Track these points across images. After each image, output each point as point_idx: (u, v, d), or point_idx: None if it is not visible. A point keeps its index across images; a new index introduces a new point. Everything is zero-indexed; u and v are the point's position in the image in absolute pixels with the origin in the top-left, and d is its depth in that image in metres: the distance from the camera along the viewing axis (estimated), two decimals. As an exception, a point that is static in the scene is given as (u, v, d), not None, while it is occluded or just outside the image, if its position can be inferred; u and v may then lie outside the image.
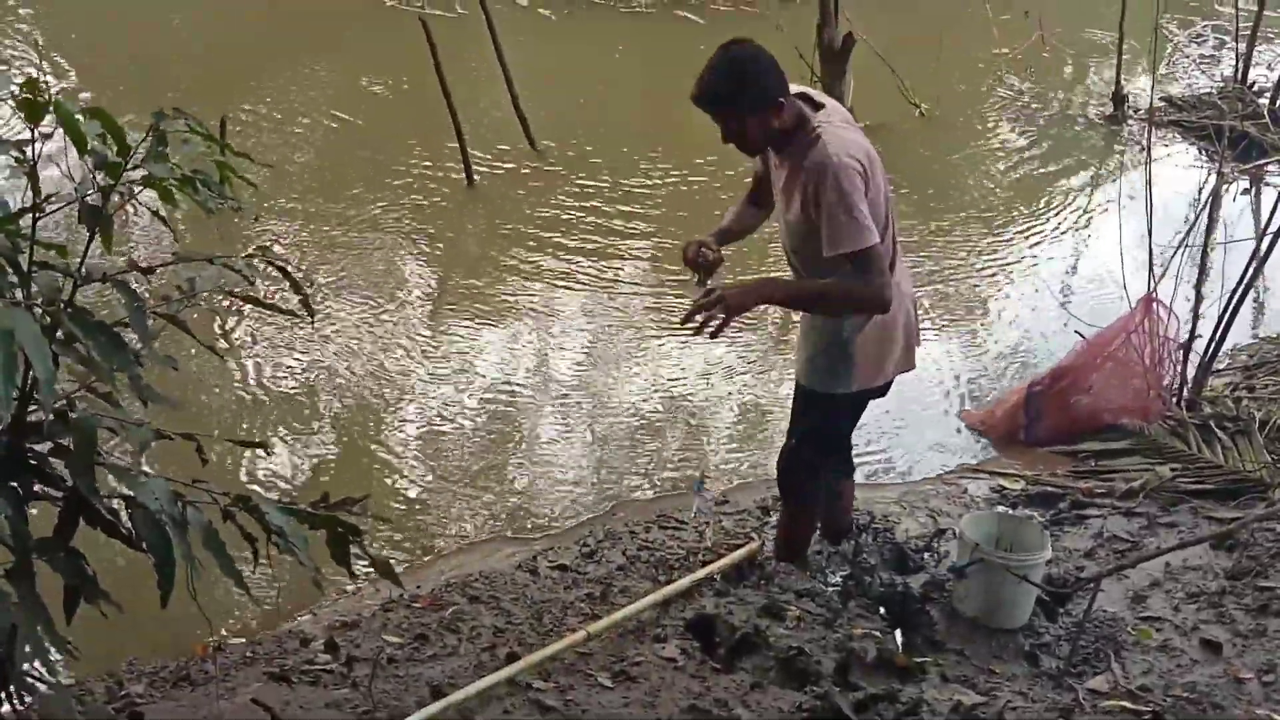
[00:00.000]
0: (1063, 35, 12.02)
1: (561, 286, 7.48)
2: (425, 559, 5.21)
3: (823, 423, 4.48)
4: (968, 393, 6.69)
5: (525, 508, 5.59)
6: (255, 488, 5.41)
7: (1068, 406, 6.16)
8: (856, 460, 5.07)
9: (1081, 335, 6.45)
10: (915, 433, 6.27)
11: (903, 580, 4.85)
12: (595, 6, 12.77)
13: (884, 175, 4.10)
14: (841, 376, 4.30)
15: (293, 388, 6.34)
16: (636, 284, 7.58)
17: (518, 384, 6.52)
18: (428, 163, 8.99)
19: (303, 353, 6.62)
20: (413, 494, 5.63)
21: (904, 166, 8.73)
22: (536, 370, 6.67)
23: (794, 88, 4.08)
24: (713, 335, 3.97)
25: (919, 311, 4.54)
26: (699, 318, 3.94)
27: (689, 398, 6.48)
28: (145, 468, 2.80)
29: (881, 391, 4.48)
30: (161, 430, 2.70)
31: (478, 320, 7.09)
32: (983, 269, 8.06)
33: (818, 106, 4.07)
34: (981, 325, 7.40)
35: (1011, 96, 11.07)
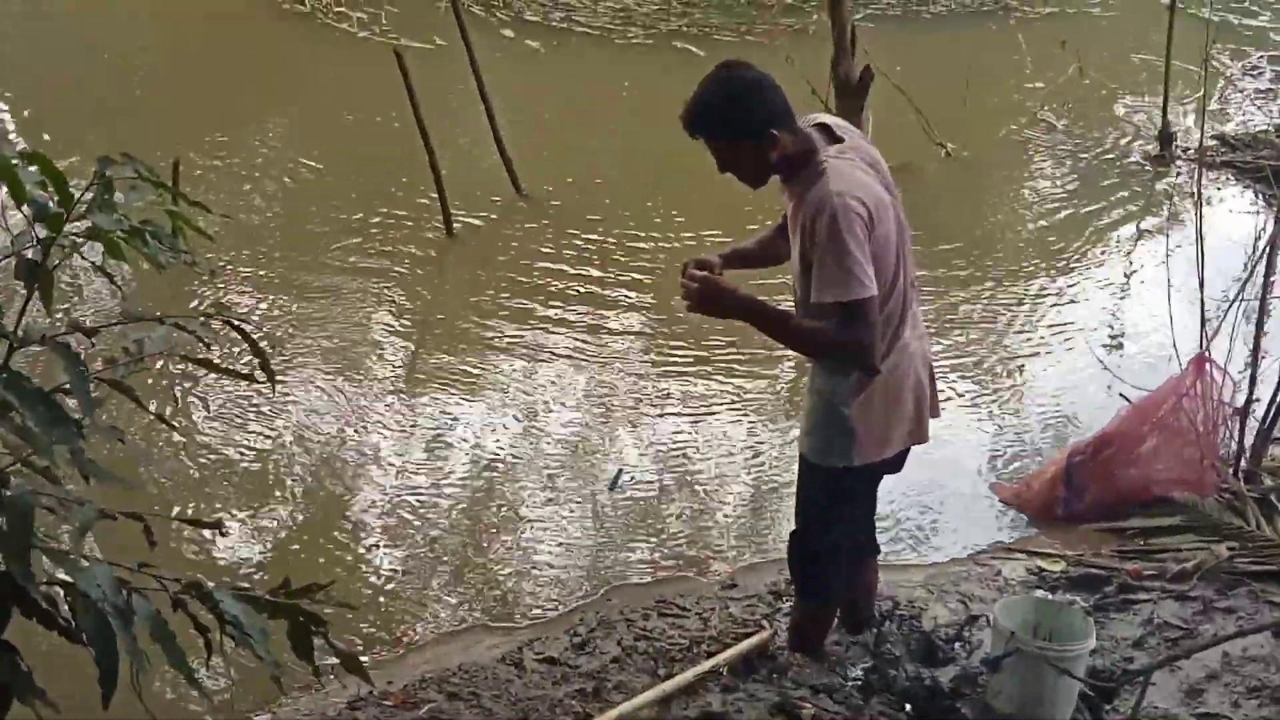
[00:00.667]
0: (1104, 67, 12.11)
1: (549, 352, 7.50)
2: (397, 651, 5.20)
3: (828, 501, 4.48)
4: (1001, 463, 6.70)
5: (508, 593, 5.58)
6: (208, 573, 5.39)
7: (1112, 478, 6.14)
8: (879, 539, 5.07)
9: (1127, 399, 6.46)
10: (944, 508, 6.28)
11: (931, 674, 4.84)
12: (587, 37, 12.89)
13: (899, 223, 4.14)
14: (839, 448, 4.31)
15: (251, 461, 6.34)
16: (633, 354, 7.60)
17: (500, 457, 6.53)
18: (403, 211, 9.04)
19: (263, 422, 6.62)
20: (383, 578, 5.62)
21: (927, 212, 8.77)
22: (521, 442, 6.68)
23: (815, 116, 4.18)
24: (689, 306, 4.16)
25: (935, 376, 4.53)
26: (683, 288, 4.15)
27: (692, 471, 6.50)
28: (87, 551, 2.80)
29: (894, 466, 4.49)
30: (105, 509, 2.70)
31: (456, 387, 7.11)
32: (1017, 327, 8.11)
33: (835, 139, 4.13)
34: (1016, 389, 7.43)
35: (1047, 135, 11.15)
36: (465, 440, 6.65)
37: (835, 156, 4.06)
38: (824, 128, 4.16)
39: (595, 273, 8.40)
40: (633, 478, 6.30)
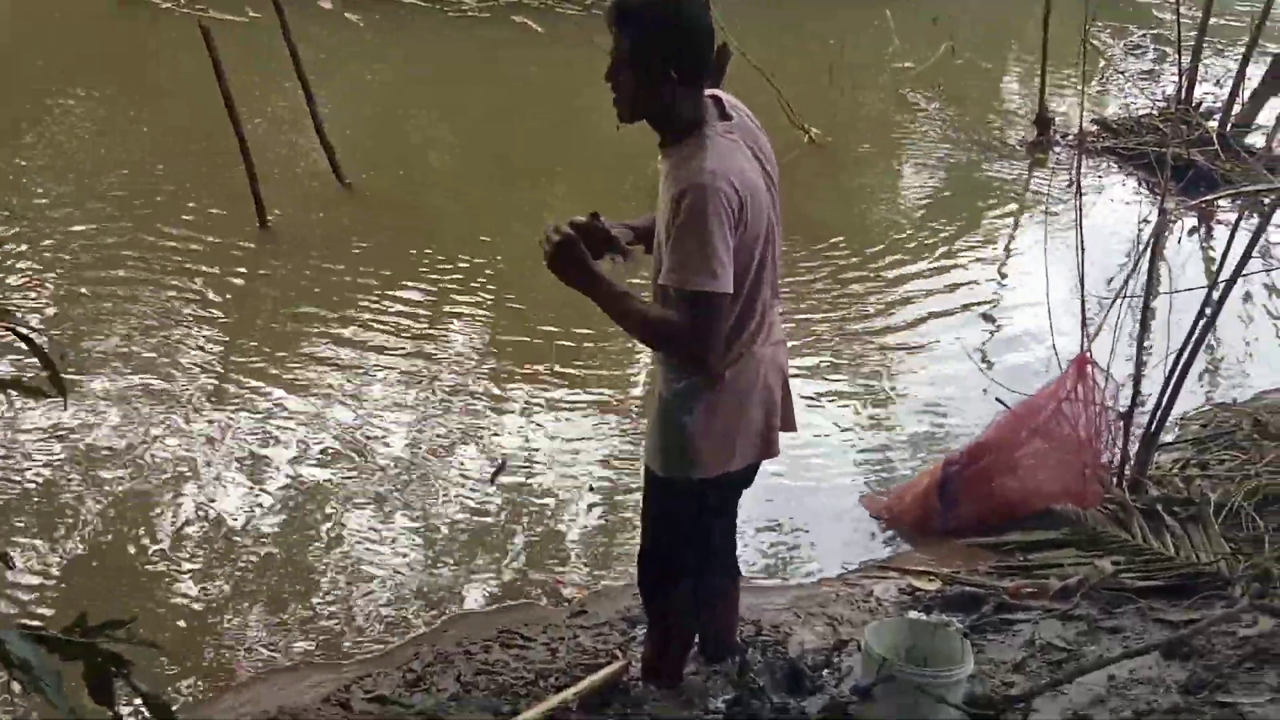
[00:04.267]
0: (978, 46, 12.34)
1: (375, 358, 7.49)
2: (211, 693, 5.12)
3: (676, 516, 4.52)
4: (871, 474, 6.79)
5: (335, 626, 5.53)
6: (-7, 609, 5.28)
7: (990, 490, 6.24)
8: (740, 558, 5.11)
9: (1004, 404, 6.57)
10: (810, 524, 6.34)
11: (798, 704, 4.88)
12: (416, 10, 12.83)
13: (770, 224, 4.16)
14: (681, 460, 4.34)
15: (40, 484, 6.20)
16: (468, 359, 7.62)
17: (323, 474, 6.47)
18: (212, 201, 8.95)
19: (53, 440, 6.49)
20: (195, 612, 5.53)
21: (789, 203, 8.86)
22: (345, 456, 6.62)
23: (715, 92, 4.17)
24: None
25: (789, 386, 4.53)
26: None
27: (537, 488, 6.51)
28: None
29: (744, 479, 4.53)
30: None
31: (272, 397, 7.04)
32: (885, 327, 8.26)
33: (725, 116, 4.14)
34: (885, 394, 7.56)
35: (917, 119, 11.32)
36: (284, 456, 6.57)
37: (721, 134, 4.07)
38: (716, 101, 4.18)
39: (426, 271, 8.41)
40: (508, 468, 6.35)
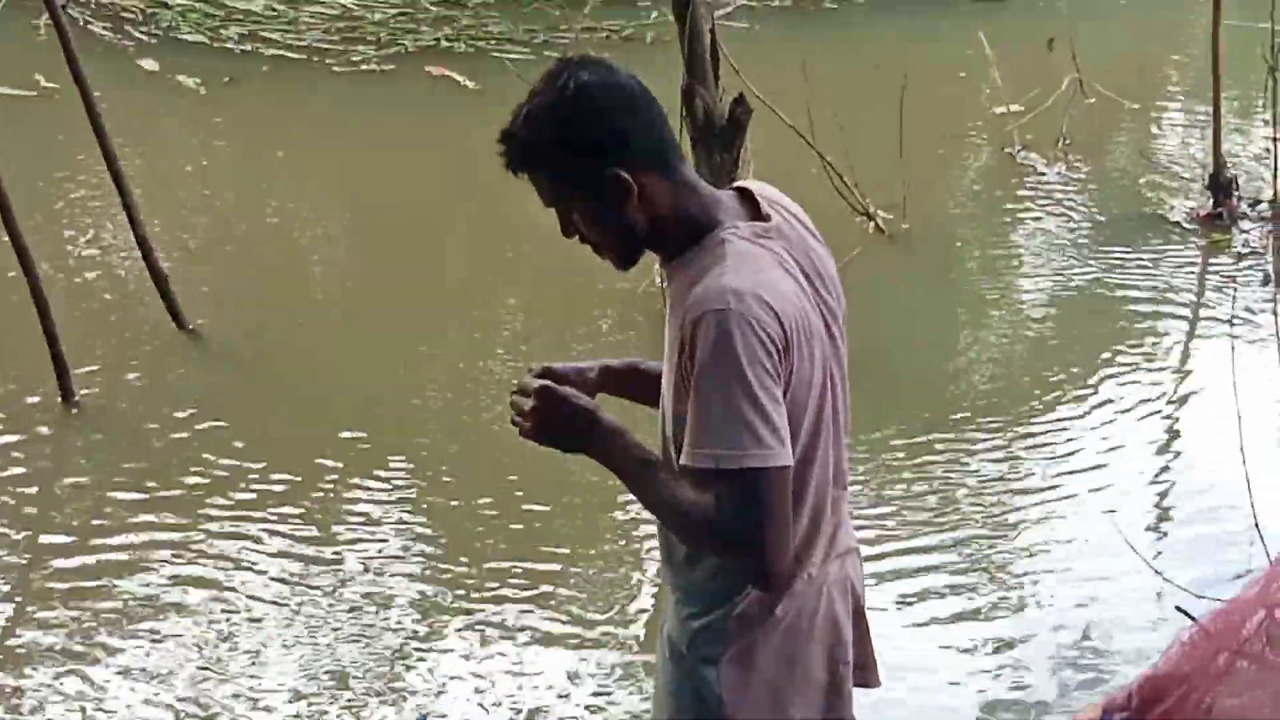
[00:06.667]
0: (1112, 78, 12.34)
1: (234, 598, 7.38)
2: None
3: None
4: (994, 729, 6.73)
5: None
6: None
7: (1176, 745, 6.13)
8: None
9: (1189, 616, 6.43)
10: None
11: None
12: (285, 63, 12.92)
13: (833, 369, 4.02)
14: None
15: None
16: (376, 587, 7.52)
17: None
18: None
19: None
20: None
21: (851, 324, 8.84)
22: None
23: (747, 184, 4.05)
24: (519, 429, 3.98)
25: (866, 615, 4.39)
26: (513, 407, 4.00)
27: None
28: None
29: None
30: None
31: (77, 659, 6.94)
32: (1003, 505, 8.21)
33: (758, 215, 4.00)
34: (1009, 604, 7.48)
35: (1034, 189, 11.31)
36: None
37: (748, 237, 3.93)
38: (745, 197, 4.04)
39: (304, 456, 8.40)
40: None
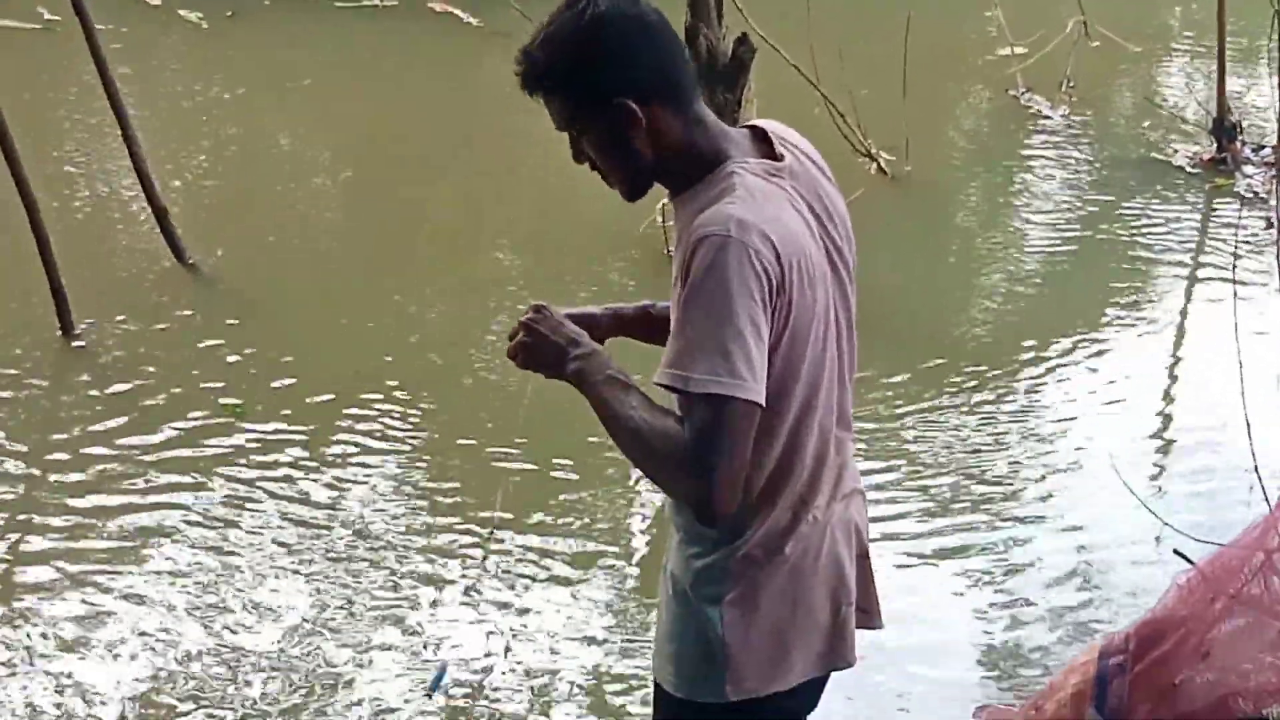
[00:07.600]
0: (1118, 20, 12.33)
1: (233, 522, 7.42)
2: None
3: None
4: (993, 671, 6.71)
5: None
6: None
7: (1172, 689, 6.13)
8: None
9: (1187, 559, 6.48)
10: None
11: None
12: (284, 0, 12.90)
13: (838, 311, 4.02)
14: (705, 674, 4.14)
15: None
16: (380, 511, 7.56)
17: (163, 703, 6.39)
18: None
19: None
20: None
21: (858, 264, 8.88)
22: (198, 679, 6.50)
23: (760, 122, 4.06)
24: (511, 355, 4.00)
25: (870, 559, 4.39)
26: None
27: (491, 698, 6.42)
28: None
29: (805, 702, 4.37)
30: None
31: (78, 589, 6.97)
32: (1003, 449, 8.23)
33: (772, 154, 4.00)
34: (1010, 549, 7.49)
35: (1037, 133, 11.29)
36: (103, 677, 6.48)
37: (758, 173, 3.93)
38: (758, 134, 4.05)
39: (305, 395, 8.44)
40: (448, 676, 6.28)
